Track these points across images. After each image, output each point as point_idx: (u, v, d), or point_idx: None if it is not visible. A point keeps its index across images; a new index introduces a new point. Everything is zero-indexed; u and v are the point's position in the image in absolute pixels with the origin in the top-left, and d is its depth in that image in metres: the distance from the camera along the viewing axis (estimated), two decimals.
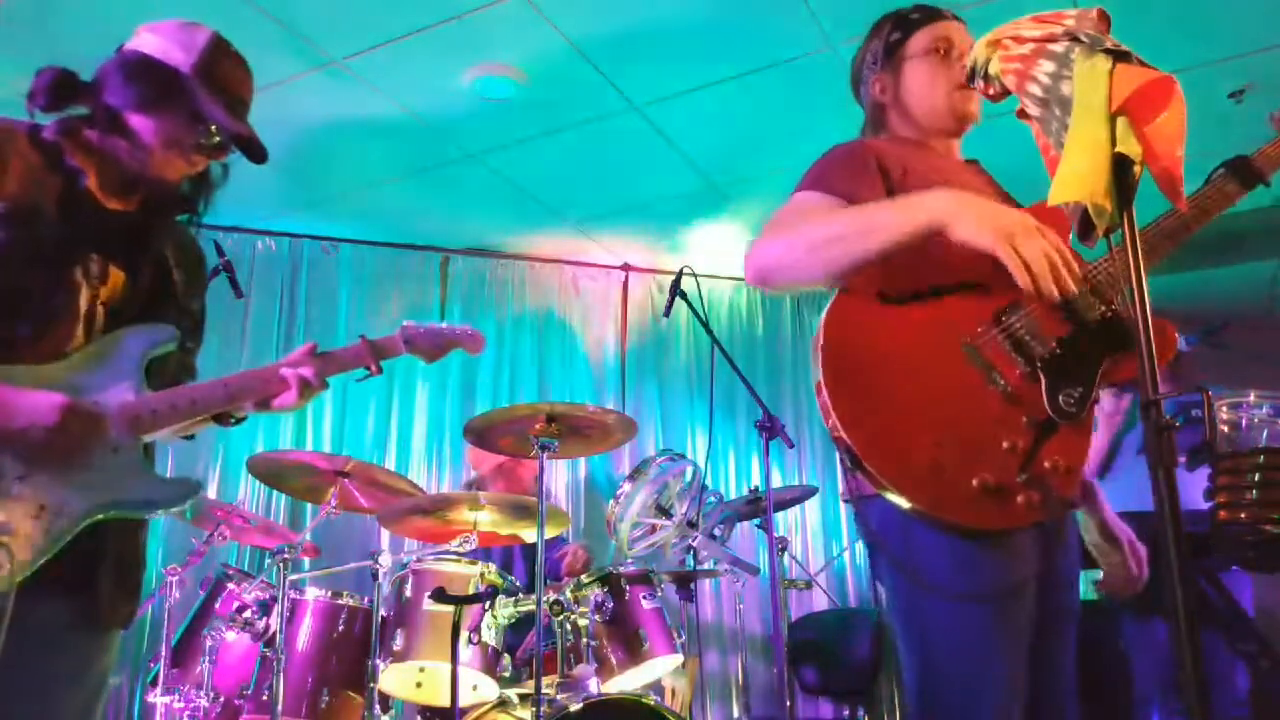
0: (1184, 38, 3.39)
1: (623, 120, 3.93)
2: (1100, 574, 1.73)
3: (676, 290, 3.23)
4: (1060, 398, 1.43)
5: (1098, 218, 1.20)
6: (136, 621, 3.47)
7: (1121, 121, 1.17)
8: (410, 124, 3.92)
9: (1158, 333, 1.16)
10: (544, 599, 2.78)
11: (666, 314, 3.28)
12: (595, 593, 2.93)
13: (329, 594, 2.97)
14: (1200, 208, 1.58)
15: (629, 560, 3.16)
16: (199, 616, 3.16)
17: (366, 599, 2.96)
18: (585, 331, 5.38)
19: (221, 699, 2.94)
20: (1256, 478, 1.53)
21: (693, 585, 3.29)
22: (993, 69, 1.38)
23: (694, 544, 3.15)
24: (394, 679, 2.86)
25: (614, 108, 3.84)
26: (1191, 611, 1.03)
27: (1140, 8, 3.11)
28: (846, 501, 1.61)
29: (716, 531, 3.46)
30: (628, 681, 2.89)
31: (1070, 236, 1.39)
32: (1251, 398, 1.69)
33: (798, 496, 4.12)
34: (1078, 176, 1.19)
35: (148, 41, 1.57)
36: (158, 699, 2.96)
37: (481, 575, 2.86)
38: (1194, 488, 1.67)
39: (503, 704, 2.79)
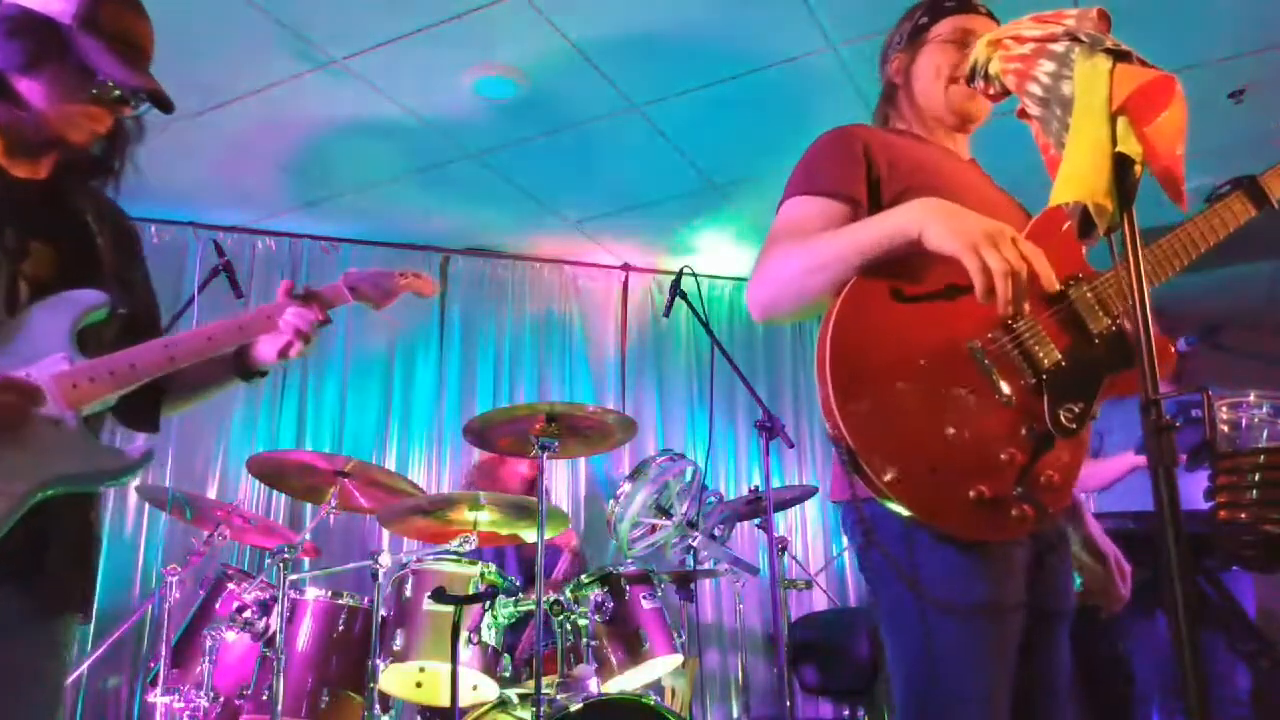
0: (1184, 38, 3.39)
1: (623, 120, 3.93)
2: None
3: (676, 290, 3.23)
4: (1061, 413, 1.41)
5: (1098, 217, 1.20)
6: (134, 618, 3.51)
7: (1122, 121, 1.17)
8: (410, 124, 3.92)
9: (1158, 350, 1.15)
10: (544, 599, 2.78)
11: (666, 314, 3.29)
12: (595, 593, 2.93)
13: (329, 594, 2.97)
14: (1209, 226, 1.58)
15: (629, 560, 3.16)
16: (199, 616, 3.16)
17: (366, 599, 2.96)
18: (585, 331, 5.38)
19: (221, 699, 2.94)
20: (1256, 478, 1.53)
21: (693, 585, 3.29)
22: (993, 69, 1.38)
23: (694, 544, 3.15)
24: (394, 679, 2.86)
25: (614, 108, 3.84)
26: (1192, 611, 1.03)
27: (1140, 7, 3.10)
28: (835, 503, 1.58)
29: (716, 531, 3.46)
30: (628, 681, 2.89)
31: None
32: (1251, 398, 1.69)
33: (798, 496, 4.12)
34: (1078, 176, 1.19)
35: None
36: (158, 699, 2.96)
37: (481, 575, 2.86)
38: (1194, 488, 1.67)
39: (503, 704, 2.79)
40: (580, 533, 4.88)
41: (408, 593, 2.86)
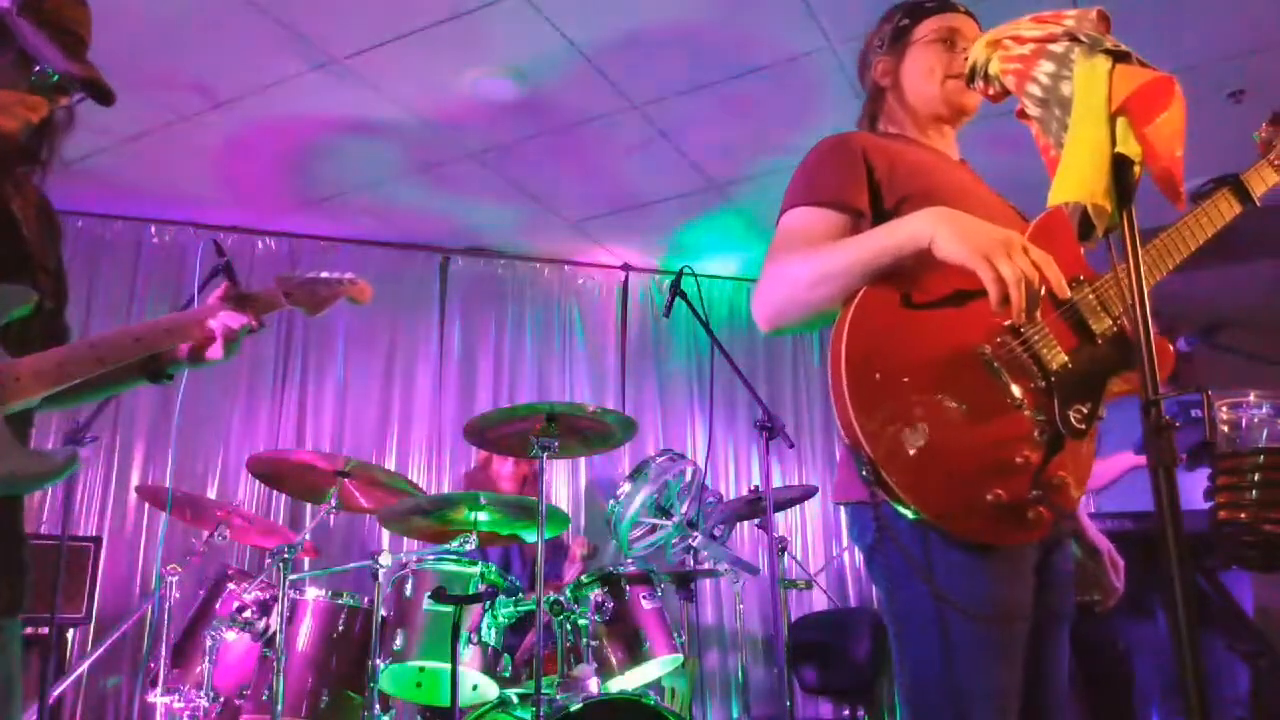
0: (1184, 38, 3.39)
1: (623, 120, 3.93)
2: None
3: (676, 290, 3.23)
4: (1071, 414, 1.41)
5: (1098, 218, 1.20)
6: (134, 618, 3.50)
7: (1121, 122, 1.17)
8: (410, 124, 3.92)
9: (1158, 350, 1.15)
10: (544, 599, 2.78)
11: (666, 314, 3.28)
12: (595, 593, 2.93)
13: (329, 594, 2.97)
14: (1198, 225, 1.59)
15: (629, 560, 3.16)
16: (199, 616, 3.16)
17: (366, 599, 2.96)
18: (585, 331, 5.38)
19: (221, 699, 2.94)
20: (1256, 478, 1.53)
21: (693, 585, 3.29)
22: (993, 69, 1.38)
23: (694, 544, 3.15)
24: (394, 679, 2.86)
25: (614, 108, 3.84)
26: (1192, 611, 1.03)
27: (1140, 7, 3.11)
28: (843, 504, 1.57)
29: (716, 531, 3.46)
30: (628, 681, 2.89)
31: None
32: (1251, 398, 1.69)
33: (798, 496, 4.12)
34: (1078, 176, 1.19)
35: None
36: (158, 699, 2.96)
37: (481, 575, 2.86)
38: (1194, 488, 1.67)
39: (503, 704, 2.79)
40: (580, 533, 4.88)
41: (408, 593, 2.86)
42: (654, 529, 3.17)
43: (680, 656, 2.98)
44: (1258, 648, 2.76)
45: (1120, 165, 1.17)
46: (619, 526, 3.06)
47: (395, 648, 2.77)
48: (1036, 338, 1.43)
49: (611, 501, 3.13)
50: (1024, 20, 1.34)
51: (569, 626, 2.92)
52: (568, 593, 2.96)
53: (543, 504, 2.76)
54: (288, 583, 2.79)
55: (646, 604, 2.97)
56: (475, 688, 2.84)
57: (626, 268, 5.48)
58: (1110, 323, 1.48)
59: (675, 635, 3.00)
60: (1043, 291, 1.33)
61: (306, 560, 3.97)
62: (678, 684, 3.54)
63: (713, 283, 5.53)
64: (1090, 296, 1.49)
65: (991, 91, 1.42)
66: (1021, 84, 1.31)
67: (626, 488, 3.08)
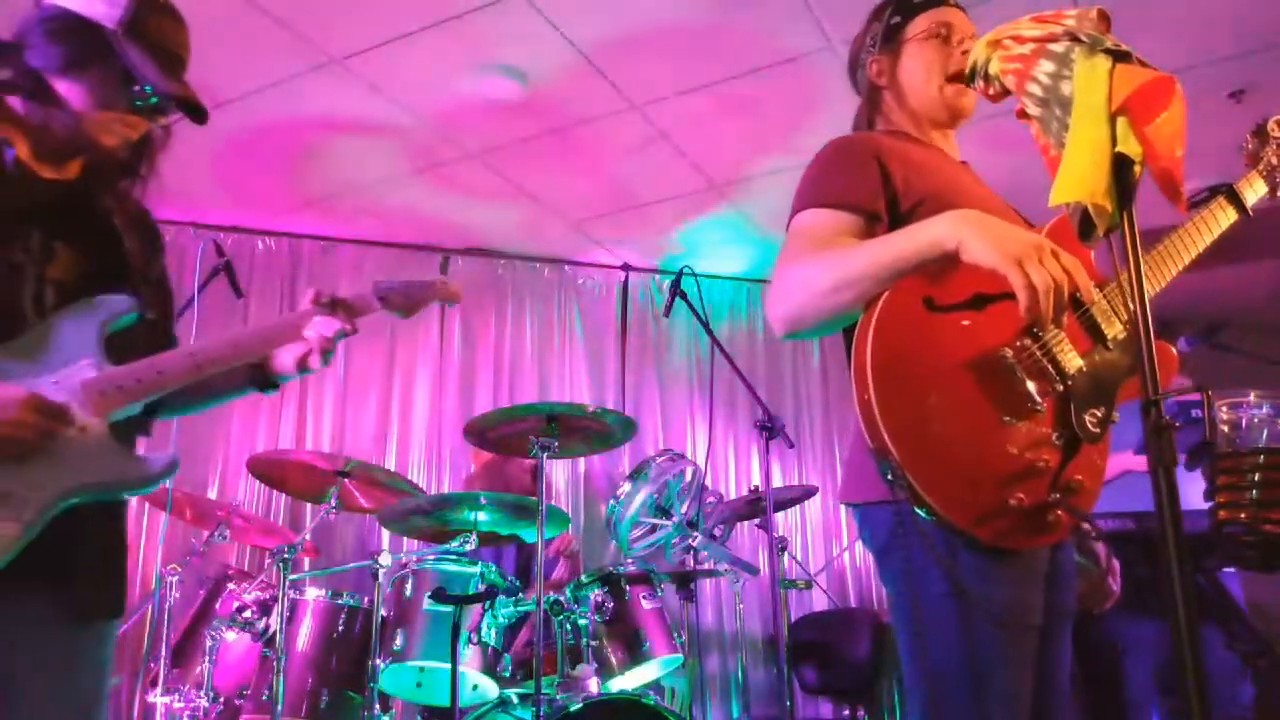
0: (1184, 38, 3.39)
1: (623, 120, 3.93)
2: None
3: (676, 290, 3.23)
4: (1086, 418, 1.42)
5: (1098, 218, 1.20)
6: (134, 618, 3.50)
7: (1122, 121, 1.17)
8: (410, 124, 3.92)
9: (1161, 355, 1.15)
10: (544, 599, 2.78)
11: (666, 314, 3.28)
12: (595, 593, 2.93)
13: (329, 594, 2.97)
14: (1196, 233, 1.60)
15: (629, 560, 3.16)
16: (199, 616, 3.16)
17: (366, 599, 2.96)
18: (585, 331, 5.38)
19: (221, 699, 2.94)
20: (1256, 478, 1.53)
21: (693, 585, 3.29)
22: (993, 69, 1.38)
23: (694, 544, 3.15)
24: (394, 679, 2.86)
25: (614, 108, 3.84)
26: (1192, 611, 1.03)
27: (1140, 7, 3.11)
28: (850, 505, 1.57)
29: (716, 531, 3.46)
30: (628, 681, 2.89)
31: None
32: (1251, 398, 1.69)
33: (798, 496, 4.12)
34: (1078, 176, 1.19)
35: None
36: (158, 699, 2.96)
37: (481, 575, 2.86)
38: (1194, 488, 1.67)
39: (503, 704, 2.79)
40: (580, 533, 4.88)
41: (408, 593, 2.86)
42: (654, 529, 3.17)
43: (680, 656, 2.98)
44: (1257, 648, 2.76)
45: (1120, 165, 1.17)
46: (619, 526, 3.06)
47: (395, 648, 2.77)
48: (1054, 342, 1.43)
49: (611, 501, 3.13)
50: (1024, 20, 1.34)
51: (569, 626, 2.92)
52: (568, 593, 2.96)
53: (543, 504, 2.76)
54: (288, 583, 2.79)
55: (646, 604, 2.97)
56: (475, 688, 2.84)
57: (626, 268, 5.48)
58: (1120, 327, 1.49)
59: (675, 635, 3.00)
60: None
61: (306, 560, 3.97)
62: (678, 684, 3.54)
63: (713, 283, 5.53)
64: (1101, 300, 1.49)
65: (991, 91, 1.42)
66: (1021, 84, 1.31)
67: (626, 488, 3.08)
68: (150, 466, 1.42)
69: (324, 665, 2.87)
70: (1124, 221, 1.17)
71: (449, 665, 2.59)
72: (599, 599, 2.92)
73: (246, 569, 3.71)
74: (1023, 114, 1.34)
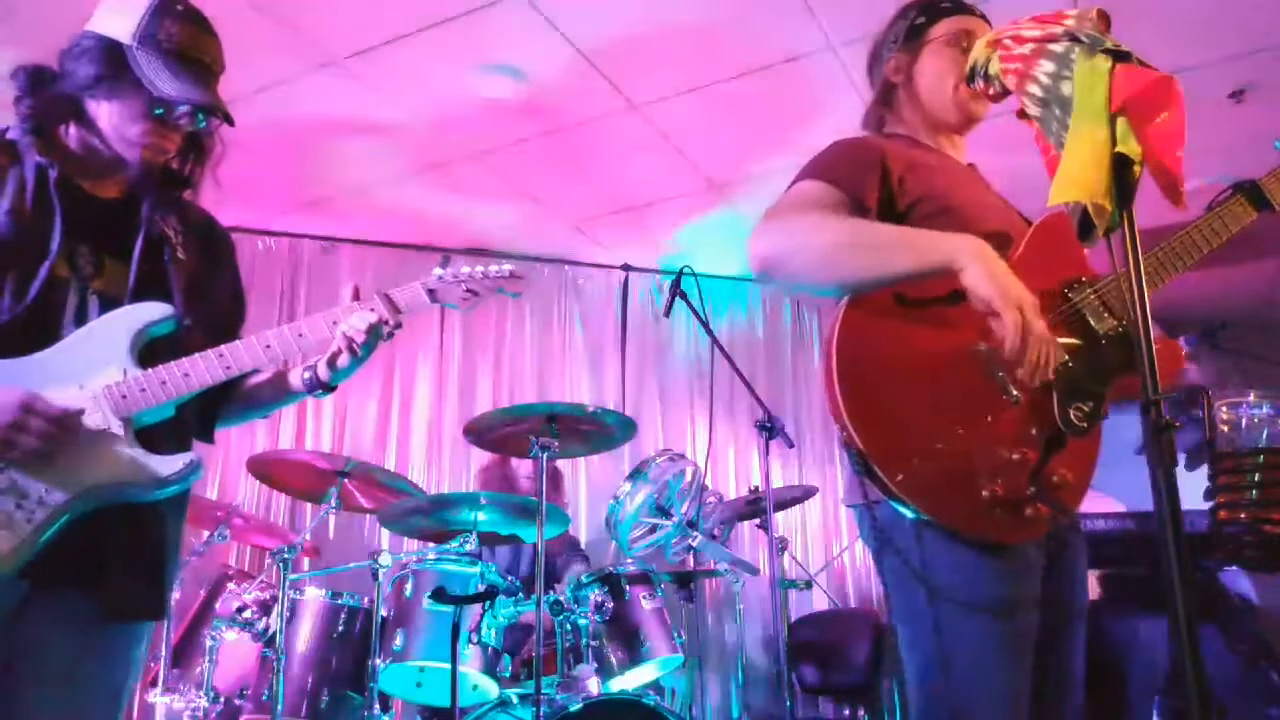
0: (1184, 38, 3.39)
1: (623, 120, 3.93)
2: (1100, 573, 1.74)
3: (676, 290, 3.23)
4: (1071, 412, 1.42)
5: (1098, 218, 1.20)
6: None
7: (1121, 121, 1.17)
8: (411, 124, 3.92)
9: (1167, 352, 1.16)
10: (544, 599, 2.78)
11: (666, 314, 3.28)
12: (595, 593, 2.93)
13: (329, 594, 2.97)
14: (1211, 230, 1.59)
15: (629, 560, 3.16)
16: (199, 616, 3.16)
17: (366, 599, 2.96)
18: (585, 331, 5.38)
19: (221, 699, 2.94)
20: (1256, 478, 1.53)
21: (693, 585, 3.29)
22: (993, 69, 1.38)
23: (694, 544, 3.15)
24: (394, 679, 2.86)
25: (614, 108, 3.84)
26: (1192, 611, 1.03)
27: (1141, 7, 3.11)
28: (851, 506, 1.57)
29: (716, 531, 3.46)
30: (628, 681, 2.89)
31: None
32: (1251, 398, 1.69)
33: (798, 496, 4.12)
34: (1078, 176, 1.19)
35: (98, 17, 1.51)
36: (158, 699, 2.97)
37: (481, 575, 2.86)
38: (1194, 488, 1.67)
39: (503, 704, 2.79)
40: (580, 533, 4.88)
41: (408, 593, 2.86)
42: (654, 529, 3.17)
43: (680, 656, 2.98)
44: (1257, 648, 2.76)
45: (1120, 165, 1.17)
46: (619, 526, 3.06)
47: (395, 648, 2.77)
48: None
49: (611, 501, 3.13)
50: (1024, 20, 1.34)
51: (569, 626, 2.92)
52: (568, 593, 2.96)
53: (542, 504, 2.76)
54: (288, 583, 2.79)
55: (646, 604, 2.97)
56: (475, 688, 2.84)
57: (626, 268, 5.48)
58: (1114, 323, 1.48)
59: (675, 635, 3.00)
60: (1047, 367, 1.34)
61: (306, 560, 3.97)
62: (678, 684, 3.54)
63: (713, 283, 5.53)
64: (1092, 297, 1.50)
65: (991, 91, 1.42)
66: (1022, 84, 1.31)
67: (626, 487, 3.08)
68: (166, 467, 1.44)
69: (324, 665, 2.87)
70: (1124, 221, 1.17)
71: (449, 665, 2.59)
72: (599, 599, 2.91)
73: (246, 569, 3.71)
74: (1023, 114, 1.34)
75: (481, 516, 3.06)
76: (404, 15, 3.26)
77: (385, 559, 2.83)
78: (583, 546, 4.17)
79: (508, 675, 2.91)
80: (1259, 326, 5.26)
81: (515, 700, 2.81)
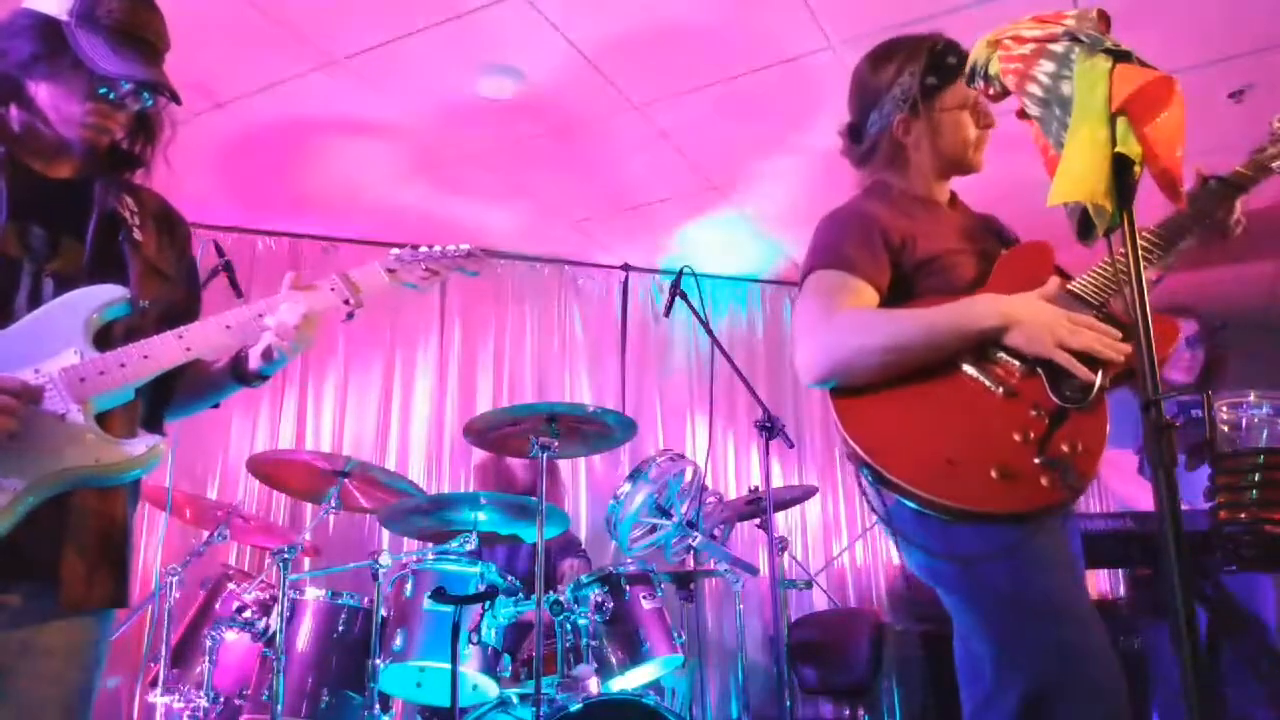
0: (1184, 38, 3.39)
1: (623, 120, 3.93)
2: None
3: (676, 290, 3.23)
4: (1064, 388, 1.48)
5: (1098, 218, 1.20)
6: (134, 618, 3.50)
7: (1121, 121, 1.17)
8: (411, 124, 3.92)
9: (1162, 329, 1.20)
10: (544, 599, 2.78)
11: (666, 314, 3.28)
12: (595, 593, 2.93)
13: (329, 594, 2.97)
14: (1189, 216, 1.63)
15: (629, 560, 3.16)
16: (199, 616, 3.16)
17: (366, 599, 2.96)
18: (585, 331, 5.38)
19: (221, 699, 2.94)
20: (1256, 478, 1.53)
21: (693, 585, 3.29)
22: (993, 69, 1.38)
23: (694, 544, 3.15)
24: (394, 679, 2.86)
25: (614, 108, 3.84)
26: (1192, 612, 1.03)
27: (1140, 7, 3.10)
28: (881, 521, 1.61)
29: (716, 531, 3.46)
30: (628, 681, 2.89)
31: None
32: (1251, 398, 1.69)
33: (798, 496, 4.12)
34: (1078, 176, 1.19)
35: None
36: (158, 699, 2.97)
37: (481, 575, 2.86)
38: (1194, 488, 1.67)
39: (503, 704, 2.79)
40: (580, 532, 4.88)
41: (408, 593, 2.86)
42: (654, 529, 3.17)
43: (680, 656, 2.98)
44: (1257, 649, 2.75)
45: (1120, 165, 1.17)
46: (619, 526, 3.06)
47: (395, 648, 2.77)
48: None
49: (611, 501, 3.13)
50: (1024, 20, 1.34)
51: (569, 626, 2.92)
52: (568, 593, 2.96)
53: (542, 504, 2.76)
54: (288, 583, 2.79)
55: (646, 604, 2.97)
56: (475, 688, 2.84)
57: (626, 268, 5.47)
58: (1093, 311, 1.55)
59: (675, 635, 3.00)
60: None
61: (307, 560, 3.97)
62: (678, 684, 3.54)
63: (713, 282, 5.53)
64: (1087, 281, 1.58)
65: (991, 91, 1.42)
66: (1021, 84, 1.31)
67: (626, 487, 3.08)
68: (130, 450, 1.39)
69: (324, 665, 2.87)
70: (1124, 221, 1.17)
71: (449, 665, 2.59)
72: (599, 599, 2.91)
73: (246, 569, 3.71)
74: (1023, 114, 1.34)
75: (481, 516, 3.06)
76: (404, 15, 3.26)
77: (385, 559, 2.83)
78: (583, 546, 4.17)
79: (508, 675, 2.91)
80: (1260, 326, 5.27)
81: (515, 700, 2.81)
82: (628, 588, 2.96)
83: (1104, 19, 1.27)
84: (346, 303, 1.57)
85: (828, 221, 1.71)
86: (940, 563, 1.49)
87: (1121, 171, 1.17)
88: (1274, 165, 1.65)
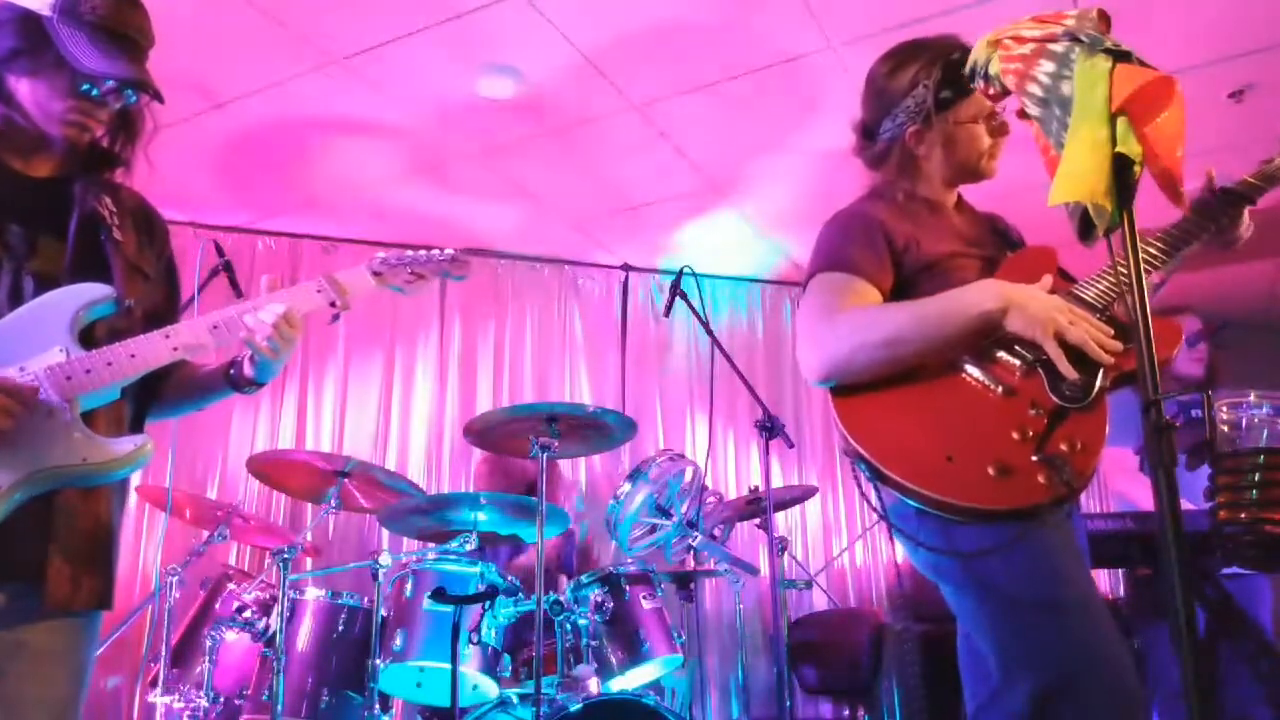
0: (1184, 38, 3.39)
1: (623, 120, 3.93)
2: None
3: (676, 290, 3.23)
4: (1063, 387, 1.49)
5: (1098, 218, 1.20)
6: (134, 618, 3.50)
7: (1122, 121, 1.17)
8: (410, 124, 3.92)
9: (1163, 330, 1.21)
10: (544, 599, 2.78)
11: (666, 314, 3.28)
12: (595, 593, 2.93)
13: (329, 594, 2.97)
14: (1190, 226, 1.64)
15: (629, 560, 3.16)
16: (199, 616, 3.16)
17: (366, 599, 2.96)
18: (585, 331, 5.38)
19: (221, 699, 2.94)
20: (1256, 478, 1.53)
21: (693, 585, 3.29)
22: (993, 69, 1.38)
23: (694, 544, 3.15)
24: (394, 679, 2.86)
25: (614, 108, 3.84)
26: (1191, 612, 1.03)
27: (1140, 7, 3.10)
28: (882, 518, 1.60)
29: (716, 531, 3.46)
30: (628, 681, 2.89)
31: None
32: (1251, 398, 1.69)
33: (798, 496, 4.12)
34: (1078, 176, 1.19)
35: None
36: (158, 699, 2.97)
37: (481, 575, 2.86)
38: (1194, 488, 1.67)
39: (503, 704, 2.79)
40: (581, 533, 4.87)
41: (408, 593, 2.86)
42: (654, 529, 3.17)
43: (680, 656, 2.98)
44: (1258, 650, 2.75)
45: (1120, 165, 1.17)
46: (619, 526, 3.06)
47: (395, 648, 2.77)
48: (1004, 333, 1.54)
49: (611, 501, 3.13)
50: (1024, 20, 1.34)
51: (569, 626, 2.92)
52: (568, 593, 2.96)
53: (542, 504, 2.76)
54: (288, 583, 2.79)
55: (646, 604, 2.97)
56: (475, 688, 2.84)
57: (626, 268, 5.47)
58: (1096, 313, 1.55)
59: (675, 635, 3.00)
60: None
61: (307, 560, 3.97)
62: (678, 684, 3.54)
63: (713, 282, 5.53)
64: (1088, 287, 1.59)
65: (991, 91, 1.42)
66: (1022, 84, 1.31)
67: (626, 487, 3.08)
68: (117, 449, 1.38)
69: (324, 665, 2.87)
70: (1124, 221, 1.17)
71: (449, 665, 2.59)
72: (599, 599, 2.91)
73: (246, 569, 3.71)
74: (1023, 114, 1.34)
75: (481, 516, 3.06)
76: (404, 15, 3.26)
77: (385, 559, 2.83)
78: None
79: (508, 675, 2.91)
80: (1260, 326, 5.27)
81: (515, 700, 2.81)
82: (628, 588, 2.96)
83: (1104, 19, 1.27)
84: (333, 304, 1.57)
85: (831, 224, 1.72)
86: (942, 558, 1.49)
87: (1122, 171, 1.17)
88: None
